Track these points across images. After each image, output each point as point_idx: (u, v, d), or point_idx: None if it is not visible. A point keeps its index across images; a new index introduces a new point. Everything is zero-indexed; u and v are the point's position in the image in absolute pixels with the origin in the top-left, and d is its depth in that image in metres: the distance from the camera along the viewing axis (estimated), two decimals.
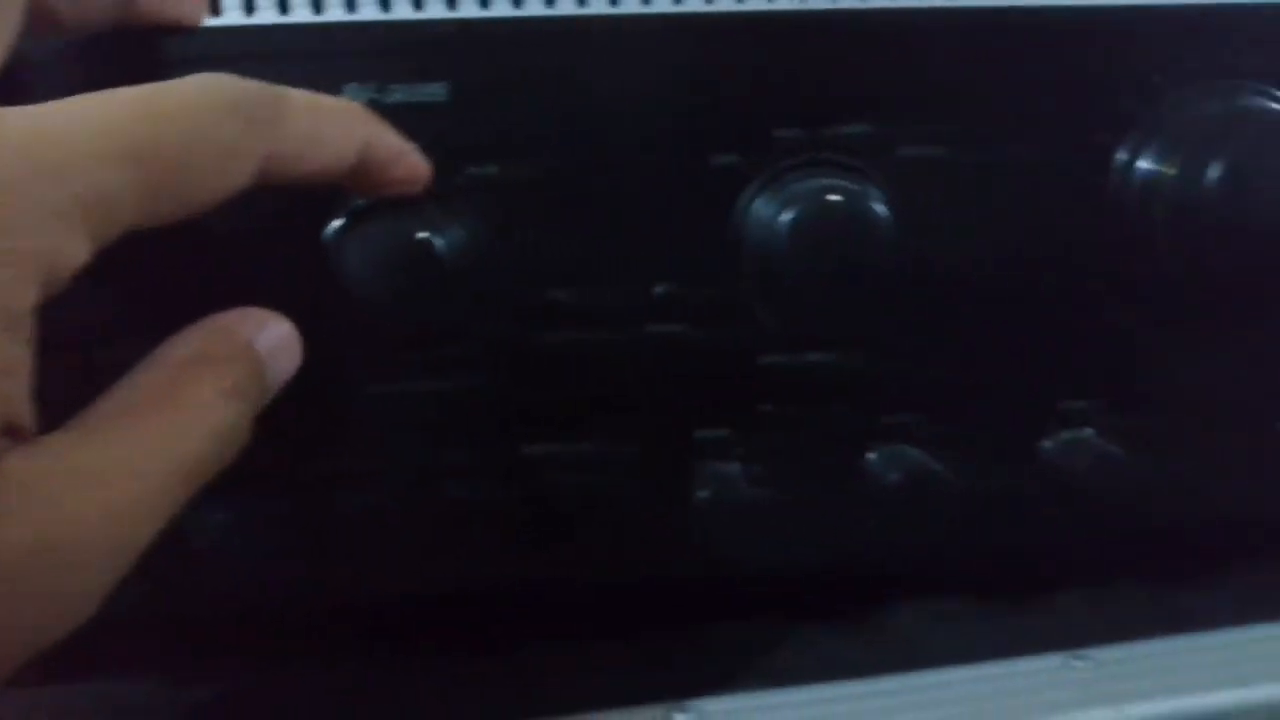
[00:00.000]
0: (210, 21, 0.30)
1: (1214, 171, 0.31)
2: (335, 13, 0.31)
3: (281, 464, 0.31)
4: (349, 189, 0.29)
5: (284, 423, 0.25)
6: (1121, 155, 0.33)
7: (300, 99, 0.26)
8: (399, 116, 0.29)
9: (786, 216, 0.31)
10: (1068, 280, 0.34)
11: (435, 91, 0.30)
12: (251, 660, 0.33)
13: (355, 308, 0.30)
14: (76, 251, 0.20)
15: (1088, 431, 0.35)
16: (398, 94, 0.30)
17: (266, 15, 0.31)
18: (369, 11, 0.32)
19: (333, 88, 0.30)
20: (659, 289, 0.32)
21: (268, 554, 0.32)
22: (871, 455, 0.34)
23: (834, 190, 0.30)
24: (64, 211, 0.19)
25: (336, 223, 0.29)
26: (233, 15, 0.31)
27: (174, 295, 0.26)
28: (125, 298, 0.30)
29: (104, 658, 0.33)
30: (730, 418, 0.34)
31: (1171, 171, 0.32)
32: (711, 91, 0.31)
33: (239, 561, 0.32)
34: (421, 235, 0.29)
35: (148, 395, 0.22)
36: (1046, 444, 0.35)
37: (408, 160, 0.28)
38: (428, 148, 0.30)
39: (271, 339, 0.26)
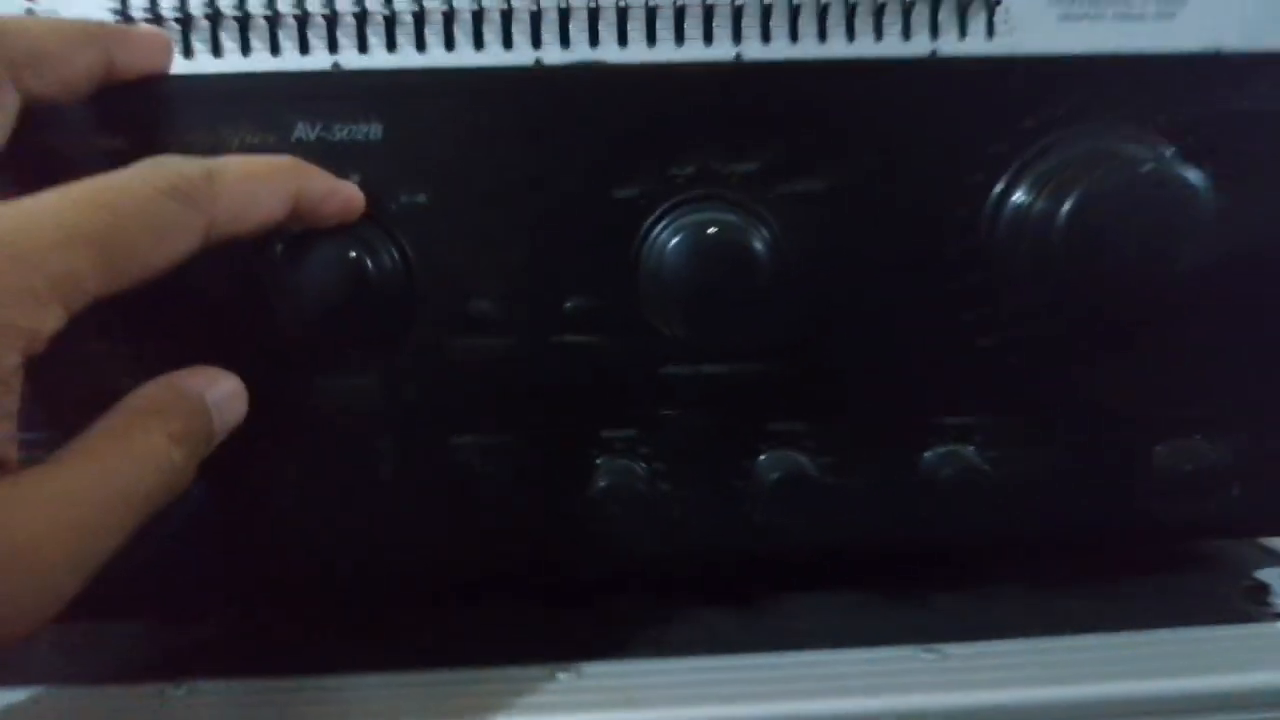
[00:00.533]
0: (180, 66, 0.35)
1: (1068, 205, 0.34)
2: (290, 58, 0.37)
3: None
4: (292, 227, 0.34)
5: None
6: (995, 191, 0.37)
7: (233, 169, 0.30)
8: (341, 151, 0.35)
9: (675, 243, 0.35)
10: (941, 305, 0.37)
11: (372, 130, 0.35)
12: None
13: (299, 317, 0.35)
14: (52, 321, 0.25)
15: (965, 446, 0.38)
16: (340, 132, 0.35)
17: (232, 60, 0.37)
18: (318, 59, 0.37)
19: (284, 125, 0.35)
20: (569, 303, 0.37)
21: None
22: (761, 457, 0.38)
23: (714, 223, 0.35)
24: (40, 291, 0.25)
25: (279, 245, 0.34)
26: (203, 60, 0.37)
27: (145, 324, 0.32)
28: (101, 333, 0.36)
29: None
30: (635, 420, 0.38)
31: (1036, 205, 0.36)
32: (618, 133, 0.36)
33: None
34: (353, 254, 0.34)
35: (106, 438, 0.27)
36: (926, 455, 0.39)
37: (340, 197, 0.33)
38: (365, 179, 0.35)
39: (220, 393, 0.31)
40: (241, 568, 0.38)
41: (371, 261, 0.35)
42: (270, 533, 0.37)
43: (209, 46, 0.37)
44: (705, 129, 0.36)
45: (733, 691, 0.34)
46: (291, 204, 0.32)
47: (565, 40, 0.46)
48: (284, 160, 0.32)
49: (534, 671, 0.35)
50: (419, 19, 0.45)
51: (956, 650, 0.36)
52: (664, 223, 0.36)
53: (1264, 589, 0.42)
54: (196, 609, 0.41)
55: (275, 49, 0.37)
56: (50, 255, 0.25)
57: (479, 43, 0.46)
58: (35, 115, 0.32)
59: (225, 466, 0.32)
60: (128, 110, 0.35)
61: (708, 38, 0.47)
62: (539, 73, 0.36)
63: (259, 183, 0.31)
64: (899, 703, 0.34)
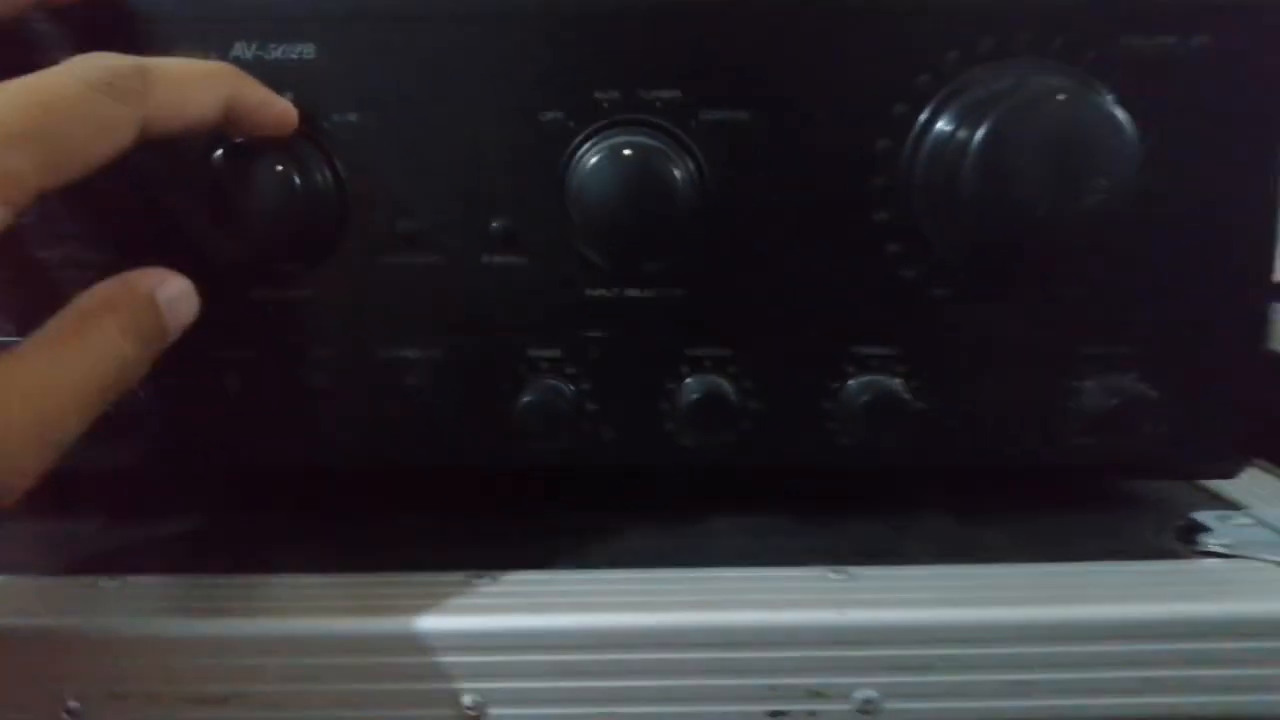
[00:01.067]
0: None
1: (980, 132, 0.35)
2: None
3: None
4: (228, 134, 0.35)
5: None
6: (918, 123, 0.37)
7: (167, 68, 0.31)
8: (276, 70, 0.36)
9: (595, 166, 0.36)
10: (861, 234, 0.38)
11: (305, 50, 0.37)
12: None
13: (233, 227, 0.36)
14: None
15: (888, 377, 0.39)
16: (275, 51, 0.37)
17: None
18: None
19: (222, 44, 0.36)
20: (496, 224, 0.38)
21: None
22: (686, 380, 0.39)
23: (630, 146, 0.35)
24: None
25: (219, 152, 0.36)
26: None
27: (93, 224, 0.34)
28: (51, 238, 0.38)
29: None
30: (560, 340, 0.39)
31: (955, 135, 0.36)
32: (545, 56, 0.37)
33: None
34: (281, 168, 0.35)
35: (64, 332, 0.29)
36: (849, 384, 0.39)
37: (274, 109, 0.35)
38: (299, 98, 0.36)
39: (170, 291, 0.32)
40: (180, 468, 0.40)
41: (301, 177, 0.36)
42: (209, 435, 0.39)
43: None
44: (631, 55, 0.37)
45: (645, 601, 0.35)
46: (225, 108, 0.33)
47: None
48: (219, 65, 0.34)
49: (454, 577, 0.36)
50: None
51: (864, 572, 0.37)
52: (586, 146, 0.37)
53: (1195, 528, 0.42)
54: (136, 507, 0.42)
55: None
56: None
57: None
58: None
59: (169, 366, 0.34)
60: (74, 27, 0.36)
61: None
62: (474, 3, 0.37)
63: (192, 83, 0.32)
64: (805, 617, 0.34)
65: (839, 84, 0.37)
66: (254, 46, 0.36)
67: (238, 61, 0.37)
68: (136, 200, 0.37)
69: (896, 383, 0.39)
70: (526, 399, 0.38)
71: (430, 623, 0.34)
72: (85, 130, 0.29)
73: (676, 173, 0.36)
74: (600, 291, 0.38)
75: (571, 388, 0.39)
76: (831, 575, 0.37)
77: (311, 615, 0.34)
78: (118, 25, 0.36)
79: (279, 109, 0.35)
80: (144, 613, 0.34)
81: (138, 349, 0.31)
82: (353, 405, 0.39)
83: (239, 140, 0.36)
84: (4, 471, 0.27)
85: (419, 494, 0.42)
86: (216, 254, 0.37)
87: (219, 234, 0.36)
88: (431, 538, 0.40)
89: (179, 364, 0.34)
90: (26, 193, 0.28)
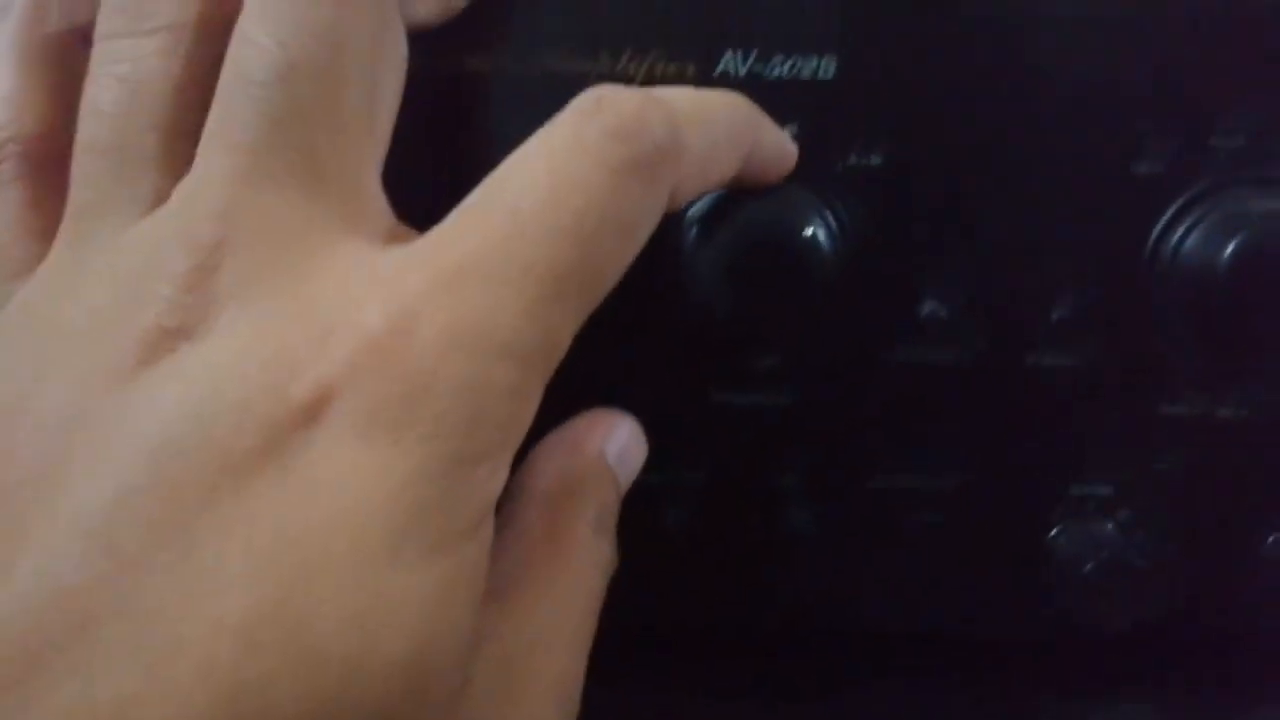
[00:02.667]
0: None
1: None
2: None
3: None
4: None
5: None
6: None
7: (694, 116, 0.22)
8: (779, 94, 0.25)
9: (1227, 243, 0.25)
10: None
11: (824, 66, 0.26)
12: None
13: (715, 317, 0.25)
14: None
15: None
16: (782, 66, 0.26)
17: None
18: None
19: (708, 52, 0.26)
20: (1057, 313, 0.27)
21: None
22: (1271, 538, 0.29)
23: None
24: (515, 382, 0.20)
25: (700, 219, 0.25)
26: None
27: None
28: None
29: None
30: (1117, 471, 0.28)
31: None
32: (1139, 87, 0.26)
33: None
34: (808, 231, 0.25)
35: (534, 552, 0.22)
36: None
37: (787, 153, 0.25)
38: (805, 133, 0.26)
39: (619, 443, 0.24)
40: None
41: (828, 241, 0.25)
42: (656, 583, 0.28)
43: None
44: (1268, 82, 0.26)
45: None
46: (742, 164, 0.23)
47: None
48: (741, 102, 0.24)
49: None
50: None
51: None
52: (1199, 210, 0.26)
53: None
54: None
55: None
56: (516, 338, 0.19)
57: None
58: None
59: None
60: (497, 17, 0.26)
61: None
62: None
63: (723, 134, 0.23)
64: None
65: None
66: (751, 58, 0.26)
67: (725, 80, 0.26)
68: None
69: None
70: (1075, 555, 0.27)
71: None
72: (617, 243, 0.20)
73: None
74: (1181, 408, 0.28)
75: (1120, 532, 0.28)
76: None
77: None
78: (559, 18, 0.26)
79: (789, 151, 0.25)
80: None
81: (610, 543, 0.23)
82: (833, 552, 0.28)
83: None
84: None
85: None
86: (671, 355, 0.27)
87: (684, 328, 0.26)
88: None
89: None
90: (560, 350, 0.20)
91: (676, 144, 0.21)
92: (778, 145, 0.25)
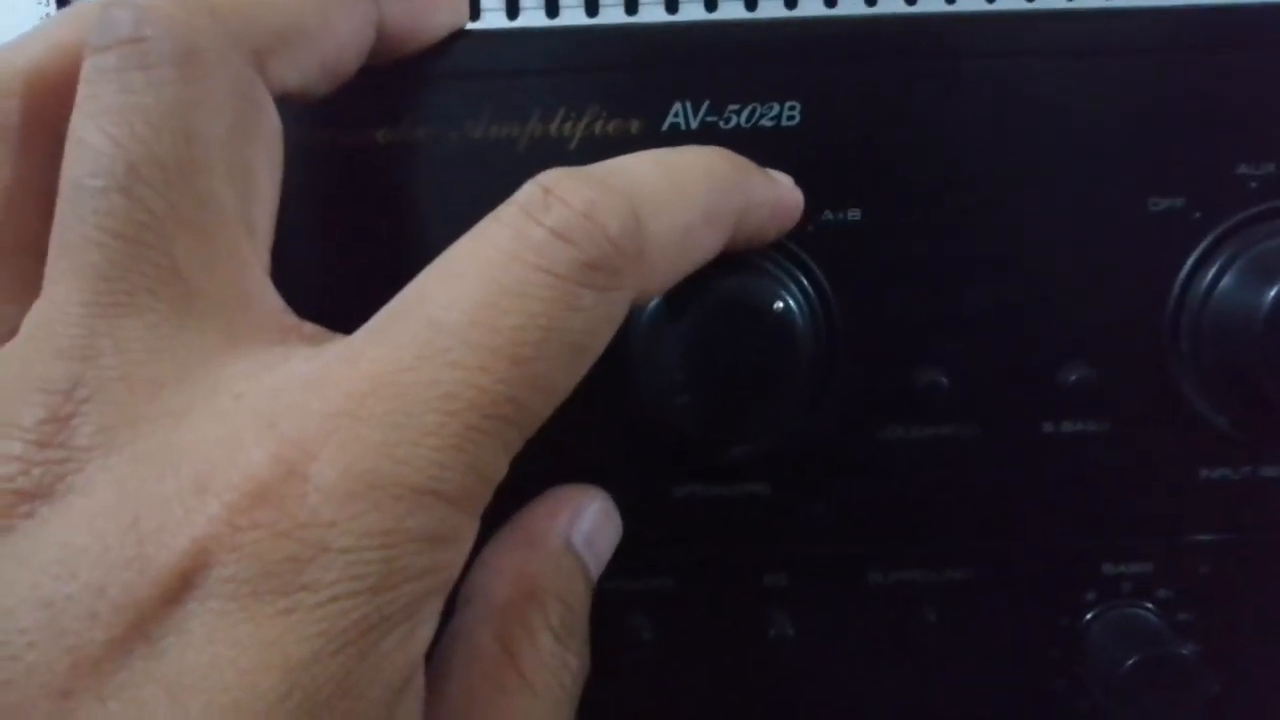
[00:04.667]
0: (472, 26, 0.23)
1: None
2: (652, 12, 0.24)
3: None
4: None
5: None
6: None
7: (663, 205, 0.19)
8: (739, 146, 0.22)
9: (1266, 288, 0.22)
10: None
11: (786, 113, 0.23)
12: None
13: (684, 399, 0.22)
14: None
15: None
16: (738, 117, 0.23)
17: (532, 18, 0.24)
18: (692, 10, 0.24)
19: (654, 104, 0.23)
20: (1074, 375, 0.24)
21: None
22: None
23: None
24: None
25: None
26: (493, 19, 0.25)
27: None
28: None
29: None
30: (1152, 548, 0.25)
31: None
32: (1148, 114, 0.23)
33: None
34: (778, 305, 0.22)
35: (489, 676, 0.19)
36: None
37: (786, 210, 0.21)
38: None
39: (587, 526, 0.21)
40: None
41: (801, 314, 0.22)
42: (623, 703, 0.25)
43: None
44: None
45: None
46: (730, 234, 0.20)
47: None
48: (721, 161, 0.20)
49: None
50: None
51: None
52: (1229, 249, 0.23)
53: None
54: None
55: (632, 6, 0.24)
56: (436, 479, 0.16)
57: None
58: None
59: None
60: (409, 85, 0.23)
61: None
62: (1046, 15, 0.23)
63: (698, 212, 0.19)
64: None
65: None
66: (703, 109, 0.23)
67: (676, 135, 0.23)
68: None
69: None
70: (1113, 646, 0.24)
71: None
72: (564, 362, 0.17)
73: None
74: (1224, 472, 0.24)
75: (1158, 615, 0.25)
76: None
77: None
78: (478, 80, 0.23)
79: (790, 203, 0.21)
80: None
81: (580, 649, 0.20)
82: (824, 661, 0.25)
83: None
84: None
85: None
86: (634, 443, 0.23)
87: (647, 412, 0.23)
88: None
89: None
90: (494, 482, 0.17)
91: (639, 239, 0.18)
92: (774, 202, 0.22)
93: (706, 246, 0.19)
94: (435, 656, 0.19)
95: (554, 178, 0.17)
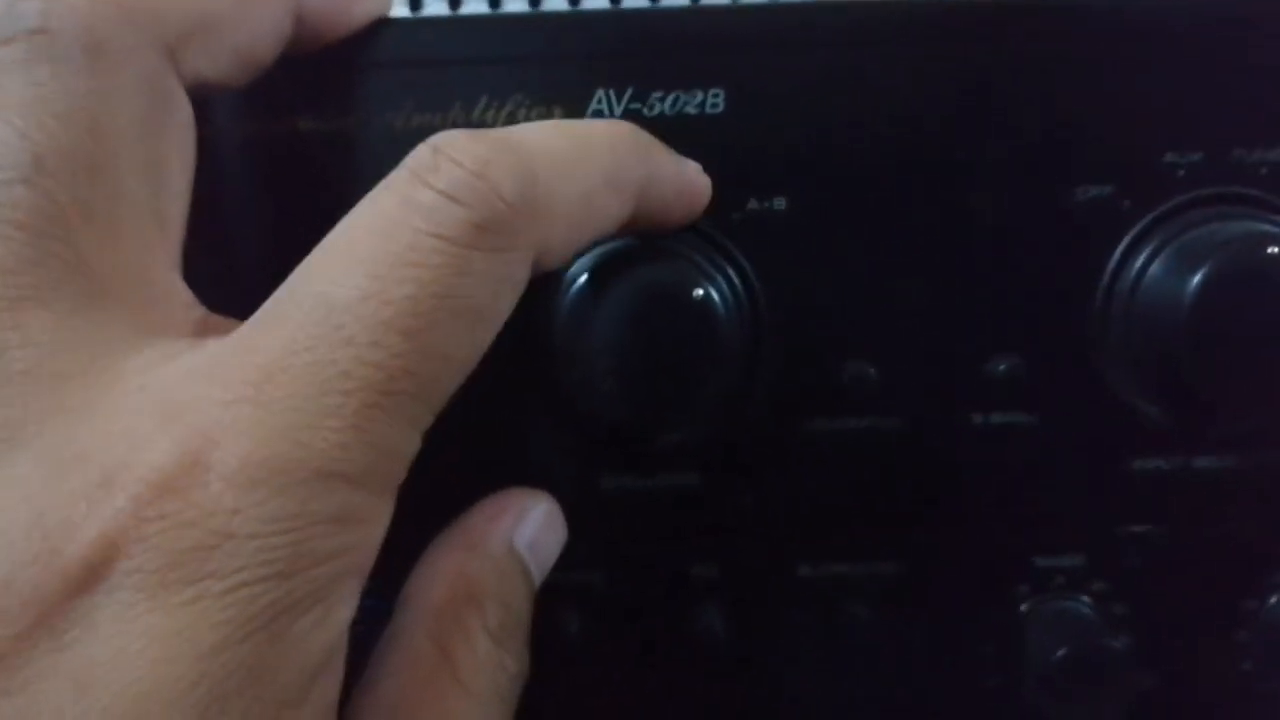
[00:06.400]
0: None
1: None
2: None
3: None
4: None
5: None
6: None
7: (557, 165, 0.18)
8: (662, 134, 0.22)
9: (1191, 275, 0.22)
10: None
11: (710, 100, 0.23)
12: None
13: (603, 389, 0.22)
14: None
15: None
16: (662, 104, 0.23)
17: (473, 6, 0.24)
18: None
19: (577, 92, 0.22)
20: (998, 365, 0.23)
21: None
22: (1272, 599, 0.25)
23: (1270, 240, 0.21)
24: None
25: (575, 281, 0.22)
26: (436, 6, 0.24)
27: None
28: None
29: None
30: (1084, 540, 0.24)
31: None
32: (1076, 102, 0.23)
33: None
34: (698, 292, 0.21)
35: (424, 679, 0.18)
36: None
37: (693, 192, 0.21)
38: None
39: (531, 529, 0.21)
40: None
41: (723, 302, 0.22)
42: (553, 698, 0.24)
43: None
44: (1220, 94, 0.23)
45: None
46: (634, 206, 0.19)
47: None
48: (625, 132, 0.20)
49: None
50: None
51: None
52: (1154, 239, 0.23)
53: None
54: None
55: None
56: (338, 460, 0.16)
57: None
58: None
59: None
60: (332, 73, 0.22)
61: None
62: (997, 6, 0.23)
63: (598, 176, 0.19)
64: None
65: None
66: (625, 96, 0.22)
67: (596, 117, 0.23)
68: None
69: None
70: (1046, 639, 0.24)
71: None
72: (463, 330, 0.17)
73: None
74: (1156, 463, 0.24)
75: (1093, 607, 0.24)
76: None
77: None
78: (407, 66, 0.22)
79: (697, 186, 0.21)
80: None
81: (518, 651, 0.20)
82: (754, 654, 0.24)
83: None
84: None
85: None
86: (562, 434, 0.23)
87: (572, 402, 0.22)
88: None
89: None
90: (404, 460, 0.17)
91: (533, 199, 0.17)
92: (680, 179, 0.21)
93: (609, 213, 0.19)
94: (372, 657, 0.19)
95: (447, 138, 0.17)
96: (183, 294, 0.19)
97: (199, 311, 0.19)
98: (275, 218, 0.23)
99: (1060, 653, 0.23)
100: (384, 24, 0.23)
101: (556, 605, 0.24)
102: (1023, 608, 0.25)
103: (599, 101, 0.23)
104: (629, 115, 0.23)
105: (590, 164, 0.19)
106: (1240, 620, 0.25)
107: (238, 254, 0.22)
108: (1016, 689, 0.24)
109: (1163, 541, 0.25)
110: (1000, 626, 0.25)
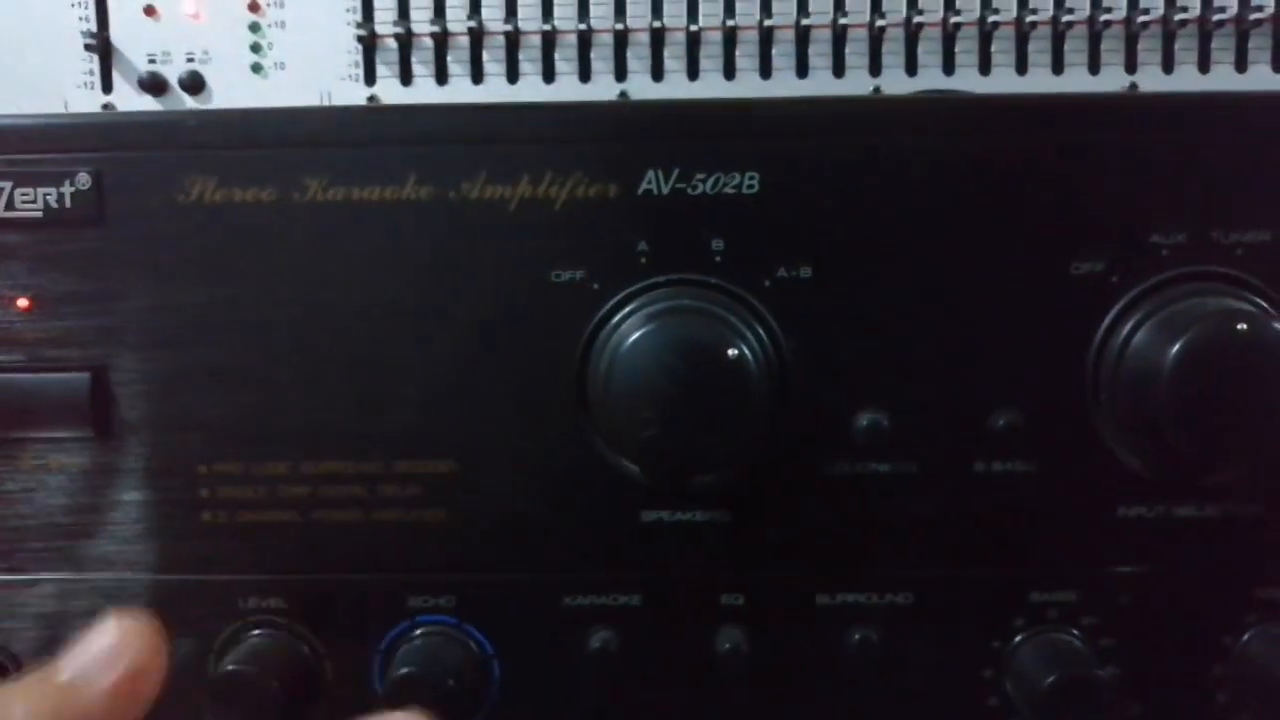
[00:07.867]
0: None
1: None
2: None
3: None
4: None
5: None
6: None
7: None
8: (704, 210, 0.25)
9: (1170, 346, 0.24)
10: None
11: (747, 182, 0.26)
12: None
13: (637, 431, 0.25)
14: None
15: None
16: (705, 184, 0.26)
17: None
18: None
19: (630, 171, 0.26)
20: (1000, 419, 0.26)
21: None
22: (1245, 636, 0.27)
23: (1242, 316, 0.24)
24: None
25: (623, 342, 0.25)
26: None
27: None
28: None
29: None
30: (1077, 577, 0.27)
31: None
32: (1077, 186, 0.26)
33: None
34: (733, 352, 0.24)
35: None
36: None
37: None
38: (732, 244, 0.26)
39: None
40: None
41: (752, 359, 0.25)
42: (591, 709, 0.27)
43: (467, 71, 0.27)
44: (1208, 180, 0.25)
45: None
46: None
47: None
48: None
49: None
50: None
51: None
52: (1140, 311, 0.26)
53: None
54: None
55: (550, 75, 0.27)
56: None
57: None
58: None
59: None
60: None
61: None
62: (1000, 102, 0.26)
63: None
64: None
65: None
66: (674, 177, 0.25)
67: (650, 198, 0.26)
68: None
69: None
70: (1039, 667, 0.26)
71: None
72: None
73: None
74: (1139, 510, 0.27)
75: (1084, 641, 0.27)
76: None
77: None
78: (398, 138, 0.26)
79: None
80: None
81: None
82: (781, 675, 0.27)
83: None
84: None
85: None
86: (605, 471, 0.26)
87: (616, 445, 0.25)
88: None
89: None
90: None
91: None
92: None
93: None
94: None
95: None
96: None
97: None
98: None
99: (1051, 680, 0.26)
100: (462, 105, 0.26)
101: (599, 625, 0.27)
102: (1018, 638, 0.27)
103: (649, 181, 0.26)
104: (676, 192, 0.26)
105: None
106: (1218, 654, 0.27)
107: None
108: (1013, 713, 0.27)
109: (1147, 581, 0.27)
110: (998, 654, 0.27)
